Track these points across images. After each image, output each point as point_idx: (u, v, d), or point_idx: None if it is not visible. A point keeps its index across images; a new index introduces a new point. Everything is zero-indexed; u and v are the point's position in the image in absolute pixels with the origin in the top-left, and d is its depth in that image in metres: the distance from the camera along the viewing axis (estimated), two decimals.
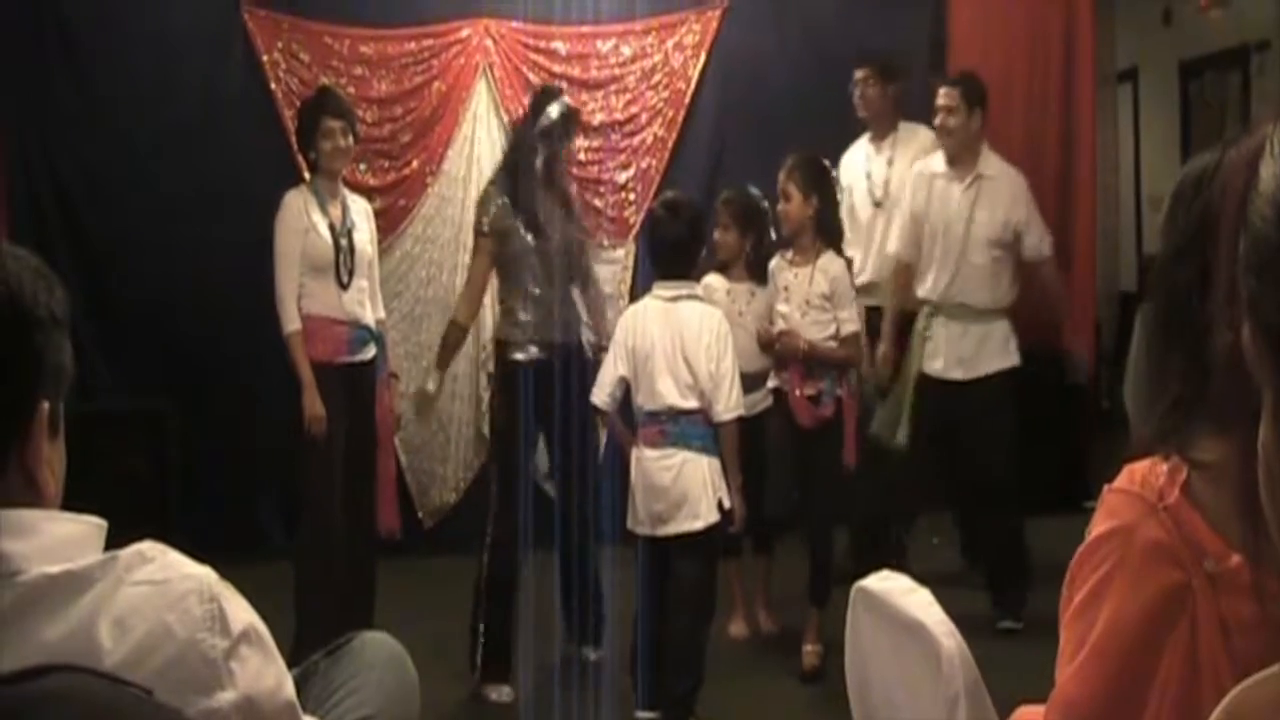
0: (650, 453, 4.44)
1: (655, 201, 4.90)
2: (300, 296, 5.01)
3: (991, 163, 5.60)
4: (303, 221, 4.99)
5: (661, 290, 4.54)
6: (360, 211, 5.24)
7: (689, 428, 4.42)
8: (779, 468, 5.15)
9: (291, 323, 4.96)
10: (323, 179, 5.12)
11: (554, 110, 5.09)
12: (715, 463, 4.43)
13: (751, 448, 5.27)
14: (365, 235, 5.20)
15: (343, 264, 5.04)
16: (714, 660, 5.09)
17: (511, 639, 4.96)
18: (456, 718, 4.67)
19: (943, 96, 5.55)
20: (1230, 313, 0.78)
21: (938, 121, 5.57)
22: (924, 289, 5.62)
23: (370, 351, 5.19)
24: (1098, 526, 1.52)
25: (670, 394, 4.41)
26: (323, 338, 5.04)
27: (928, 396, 5.52)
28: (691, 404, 4.41)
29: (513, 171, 5.13)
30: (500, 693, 4.91)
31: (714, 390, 4.40)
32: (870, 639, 2.44)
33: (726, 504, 4.43)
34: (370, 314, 5.19)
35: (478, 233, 5.16)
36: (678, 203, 4.69)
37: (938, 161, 5.65)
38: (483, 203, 5.20)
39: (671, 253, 4.56)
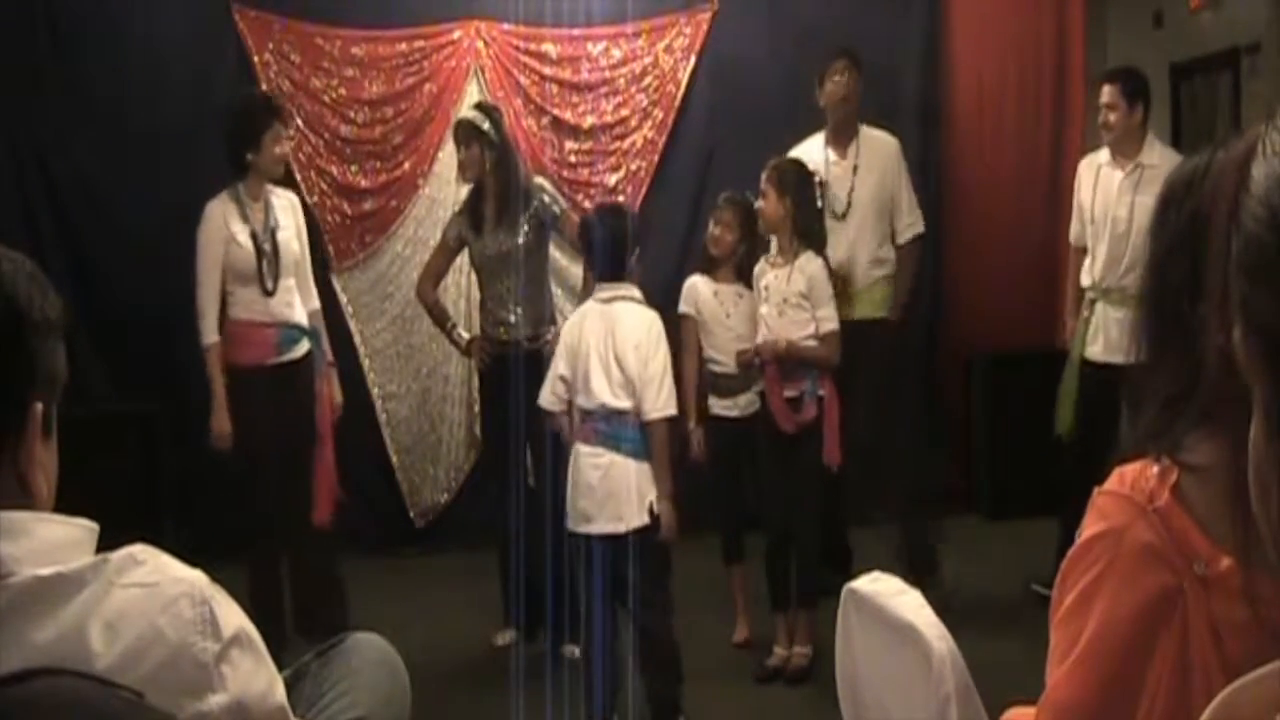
0: (584, 448, 4.46)
1: (591, 209, 4.97)
2: (227, 305, 5.06)
3: (1155, 152, 5.65)
4: (223, 233, 5.00)
5: (600, 292, 4.56)
6: (285, 208, 5.23)
7: (620, 429, 4.42)
8: (765, 473, 5.16)
9: (209, 335, 5.00)
10: (250, 183, 5.10)
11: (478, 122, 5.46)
12: (644, 468, 4.41)
13: (740, 450, 5.27)
14: (290, 232, 5.19)
15: (266, 270, 5.05)
16: (704, 663, 5.09)
17: (508, 593, 5.39)
18: (447, 717, 4.66)
19: (1105, 94, 5.63)
20: (1222, 314, 0.78)
21: (1100, 119, 5.65)
22: (1088, 276, 5.72)
23: (302, 348, 5.21)
24: (1088, 529, 1.52)
25: (603, 392, 4.42)
26: (250, 341, 5.06)
27: (1091, 382, 5.59)
28: (624, 403, 4.41)
29: (474, 190, 5.58)
30: (504, 636, 5.46)
31: (643, 389, 4.41)
32: (861, 641, 2.44)
33: (656, 509, 4.41)
34: (300, 312, 5.20)
35: (445, 233, 5.76)
36: (609, 207, 4.81)
37: (1103, 153, 5.75)
38: (458, 212, 5.75)
39: (606, 256, 4.58)
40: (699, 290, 5.34)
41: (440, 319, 5.79)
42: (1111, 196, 5.63)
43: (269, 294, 5.05)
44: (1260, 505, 0.78)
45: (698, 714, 4.60)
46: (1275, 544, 0.77)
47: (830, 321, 5.07)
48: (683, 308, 5.42)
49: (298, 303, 5.19)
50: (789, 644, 5.15)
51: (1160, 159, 5.59)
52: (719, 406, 5.33)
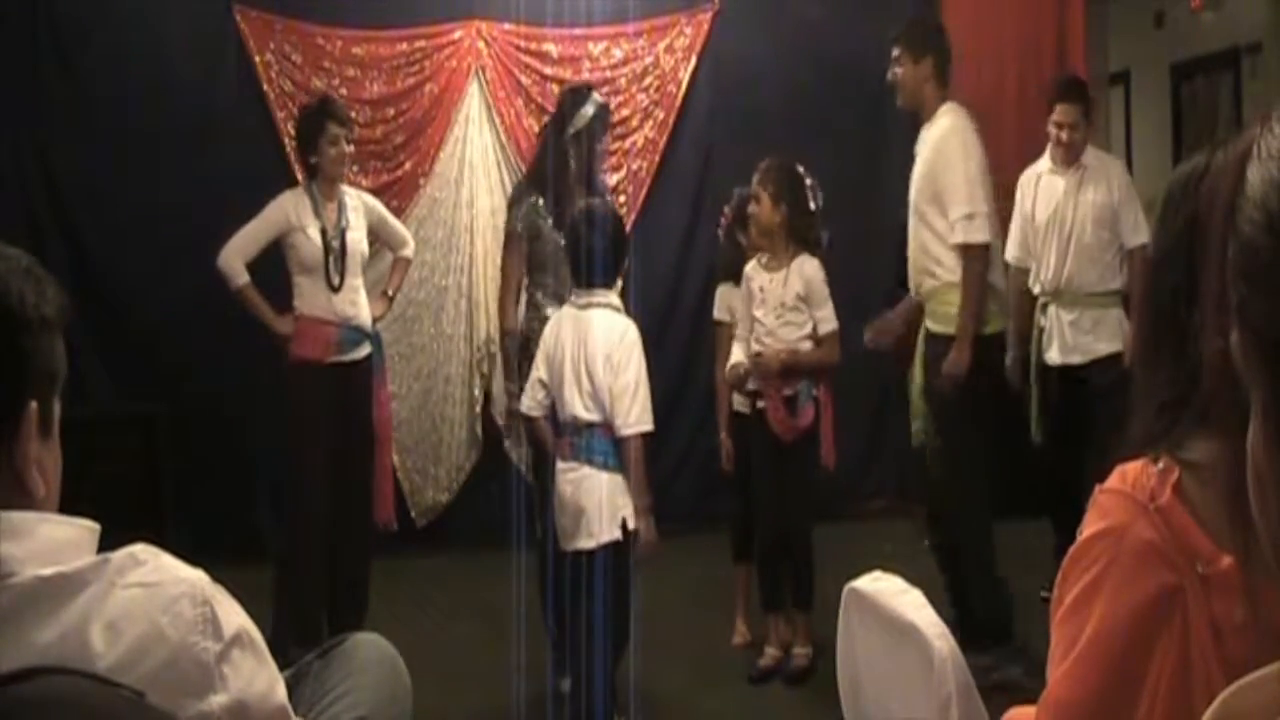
0: (560, 465, 4.38)
1: (577, 211, 4.67)
2: (294, 297, 5.14)
3: (1093, 154, 5.72)
4: (288, 217, 5.09)
5: (577, 298, 4.47)
6: (356, 208, 5.27)
7: (593, 441, 4.32)
8: (760, 475, 5.14)
9: (238, 278, 5.12)
10: (320, 183, 5.18)
11: (588, 111, 5.21)
12: (618, 479, 4.30)
13: (751, 448, 5.23)
14: (361, 233, 5.25)
15: (333, 266, 5.09)
16: (704, 663, 5.10)
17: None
18: (449, 718, 4.66)
19: (1063, 113, 5.59)
20: (1219, 317, 0.78)
21: (1063, 137, 5.59)
22: (1038, 284, 5.72)
23: (364, 350, 5.23)
24: (1089, 527, 1.52)
25: (575, 404, 4.33)
26: (313, 338, 5.10)
27: (1052, 387, 5.63)
28: (593, 416, 4.31)
29: (544, 170, 5.22)
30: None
31: (615, 404, 4.28)
32: (862, 640, 2.44)
33: (631, 524, 4.30)
34: (365, 314, 5.22)
35: (510, 231, 5.32)
36: (595, 212, 4.58)
37: (1043, 162, 5.77)
38: (514, 200, 5.37)
39: (586, 260, 4.46)
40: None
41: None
42: (1057, 199, 5.65)
43: (334, 290, 5.10)
44: (1259, 509, 0.78)
45: (698, 714, 4.60)
46: (1274, 548, 0.77)
47: (829, 322, 5.04)
48: (716, 314, 5.41)
49: (364, 304, 5.23)
50: (780, 644, 5.14)
51: (1099, 159, 5.71)
52: (737, 402, 5.30)
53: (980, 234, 4.96)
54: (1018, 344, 5.82)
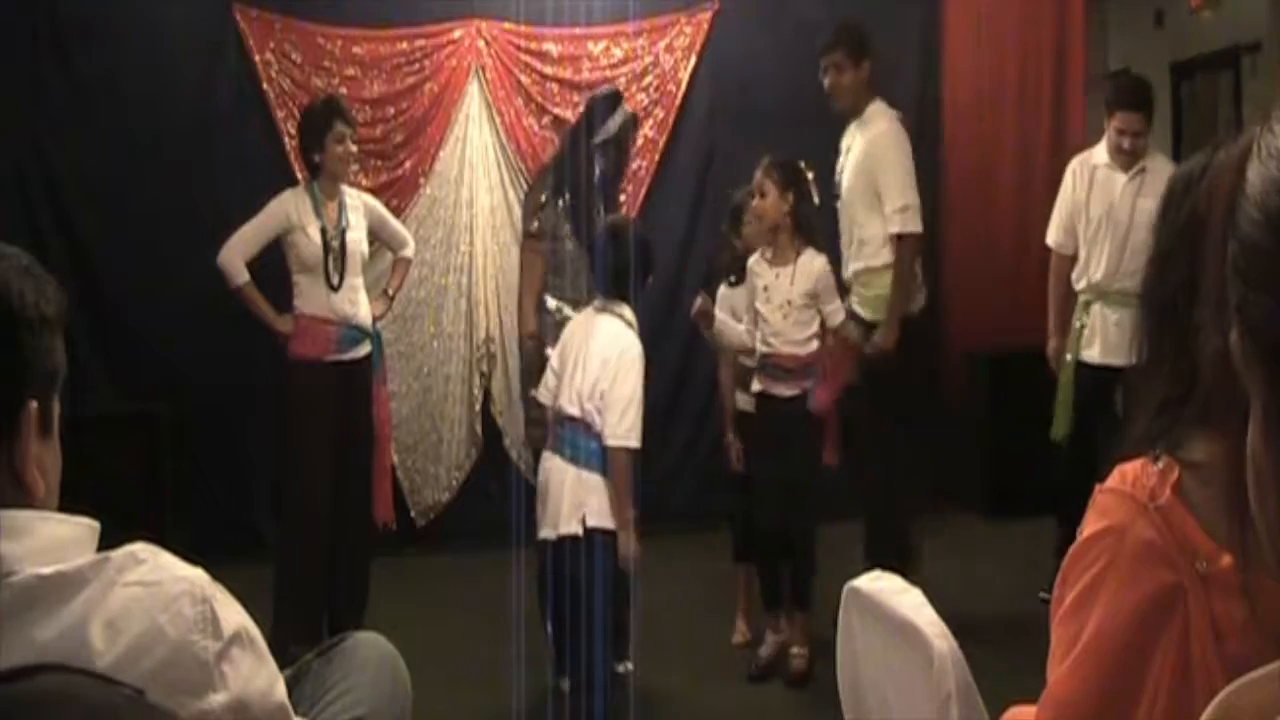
0: (544, 453, 4.50)
1: (606, 222, 4.78)
2: (294, 295, 5.16)
3: (1156, 158, 5.63)
4: (289, 216, 5.11)
5: (597, 302, 4.58)
6: (356, 208, 5.28)
7: (572, 434, 4.38)
8: (762, 474, 5.13)
9: (238, 277, 5.13)
10: (323, 182, 5.19)
11: (615, 121, 5.23)
12: (588, 477, 4.34)
13: (753, 444, 5.22)
14: (361, 232, 5.26)
15: (332, 266, 5.10)
16: (704, 663, 5.09)
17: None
18: (448, 717, 4.66)
19: (1128, 121, 5.49)
20: (1218, 317, 0.78)
21: (1125, 145, 5.49)
22: (1083, 279, 5.65)
23: (363, 349, 5.24)
24: (1089, 526, 1.52)
25: (562, 396, 4.42)
26: (312, 336, 5.11)
27: (1087, 385, 5.57)
28: (574, 411, 4.37)
29: (563, 174, 5.22)
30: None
31: (605, 413, 4.33)
32: (862, 640, 2.43)
33: (590, 521, 4.31)
34: (365, 313, 5.23)
35: (527, 232, 5.36)
36: (620, 225, 4.68)
37: (1099, 153, 5.66)
38: (532, 203, 5.37)
39: (608, 273, 4.56)
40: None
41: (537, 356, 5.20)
42: (1114, 198, 5.54)
43: (333, 289, 5.12)
44: (1259, 510, 0.78)
45: (698, 713, 4.59)
46: (1273, 548, 0.77)
47: (840, 313, 5.08)
48: (719, 317, 5.43)
49: (363, 303, 5.25)
50: (780, 641, 5.13)
51: (1161, 164, 5.54)
52: (741, 401, 5.29)
53: (914, 224, 5.31)
54: (1058, 331, 5.77)
